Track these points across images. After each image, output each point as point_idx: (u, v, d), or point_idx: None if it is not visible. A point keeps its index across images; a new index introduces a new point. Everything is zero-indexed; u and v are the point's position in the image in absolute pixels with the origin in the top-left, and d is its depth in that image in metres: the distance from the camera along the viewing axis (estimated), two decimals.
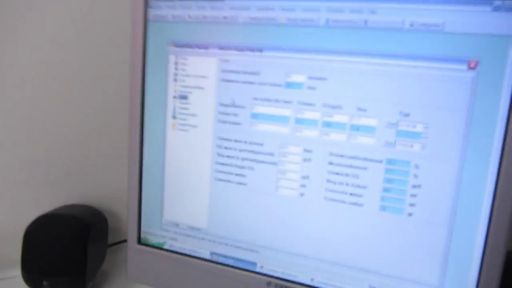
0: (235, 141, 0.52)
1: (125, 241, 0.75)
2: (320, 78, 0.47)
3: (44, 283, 0.62)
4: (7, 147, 0.72)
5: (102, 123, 0.75)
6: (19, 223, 0.71)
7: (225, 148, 0.52)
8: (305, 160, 0.49)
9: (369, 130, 0.46)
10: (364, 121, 0.46)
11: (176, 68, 0.53)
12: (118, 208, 0.77)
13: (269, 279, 0.53)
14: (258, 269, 0.54)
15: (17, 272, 0.72)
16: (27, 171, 0.73)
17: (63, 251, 0.63)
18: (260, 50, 0.49)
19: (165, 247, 0.58)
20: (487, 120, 0.42)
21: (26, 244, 0.64)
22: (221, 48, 0.51)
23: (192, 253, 0.57)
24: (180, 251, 0.58)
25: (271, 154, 0.50)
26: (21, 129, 0.72)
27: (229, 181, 0.53)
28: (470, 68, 0.42)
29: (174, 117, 0.54)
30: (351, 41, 0.46)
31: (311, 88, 0.48)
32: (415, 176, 0.45)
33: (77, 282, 0.64)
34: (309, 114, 0.48)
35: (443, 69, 0.43)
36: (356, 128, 0.47)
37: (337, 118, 0.47)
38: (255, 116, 0.50)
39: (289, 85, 0.49)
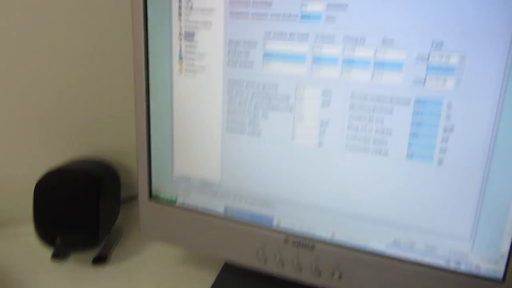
0: (247, 85, 0.47)
1: (135, 197, 0.73)
2: (341, 5, 0.42)
3: (58, 239, 0.61)
4: (17, 101, 0.69)
5: (110, 74, 0.72)
6: (30, 177, 0.70)
7: (236, 93, 0.48)
8: (323, 104, 0.45)
9: (396, 65, 0.41)
10: (390, 55, 0.41)
11: (180, 1, 0.48)
12: (131, 161, 0.74)
13: (287, 236, 0.50)
14: (274, 225, 0.51)
15: (30, 227, 0.71)
16: (36, 124, 0.71)
17: (75, 207, 0.60)
18: None
19: (178, 202, 0.55)
20: None
21: (37, 199, 0.62)
22: None
23: (205, 209, 0.54)
24: (193, 206, 0.55)
25: (286, 99, 0.46)
26: (30, 83, 0.69)
27: (241, 131, 0.49)
28: None
29: (180, 58, 0.50)
30: None
31: (330, 18, 0.42)
32: (447, 117, 0.40)
33: (90, 238, 0.62)
34: (328, 50, 0.43)
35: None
36: (381, 64, 0.41)
37: (360, 53, 0.42)
38: (268, 55, 0.46)
39: (305, 16, 0.43)
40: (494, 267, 0.43)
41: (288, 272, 0.51)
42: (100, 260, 0.64)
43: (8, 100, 0.69)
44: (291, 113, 0.46)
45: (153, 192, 0.56)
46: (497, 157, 0.40)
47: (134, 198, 0.74)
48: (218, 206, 0.53)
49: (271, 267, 0.51)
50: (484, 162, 0.40)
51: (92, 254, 0.66)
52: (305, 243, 0.49)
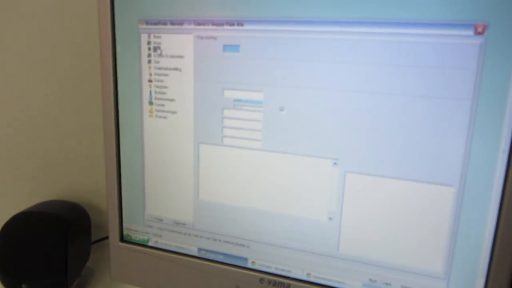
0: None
1: (106, 238, 0.71)
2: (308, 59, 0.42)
3: (23, 286, 0.58)
4: None
5: (80, 115, 0.71)
6: None
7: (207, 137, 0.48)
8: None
9: None
10: None
11: (149, 49, 0.48)
12: (101, 202, 0.73)
13: (262, 275, 0.49)
14: (249, 265, 0.50)
15: None
16: (5, 167, 0.69)
17: (42, 251, 0.58)
18: (241, 23, 0.44)
19: (149, 244, 0.54)
20: (496, 97, 0.38)
21: (1, 244, 0.59)
22: (198, 23, 0.46)
23: (179, 250, 0.53)
24: (166, 247, 0.53)
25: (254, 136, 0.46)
26: None
27: (212, 167, 0.48)
28: (477, 33, 0.37)
29: (150, 103, 0.49)
30: (343, 9, 0.41)
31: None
32: None
33: (58, 284, 0.59)
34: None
35: (445, 36, 0.38)
36: None
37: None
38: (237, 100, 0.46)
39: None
40: None
41: None
42: None
43: None
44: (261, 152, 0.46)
45: (124, 234, 0.55)
46: (468, 197, 0.40)
47: (106, 238, 0.72)
48: (191, 246, 0.52)
49: None
50: (455, 202, 0.41)
51: None
52: (280, 282, 0.49)
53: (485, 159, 0.39)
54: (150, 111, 0.49)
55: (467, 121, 0.39)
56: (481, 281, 0.42)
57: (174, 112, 0.48)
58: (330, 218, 0.45)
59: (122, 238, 0.55)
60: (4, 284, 0.59)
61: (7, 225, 0.60)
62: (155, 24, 0.47)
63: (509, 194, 0.39)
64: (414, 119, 0.40)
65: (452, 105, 0.39)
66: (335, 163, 0.44)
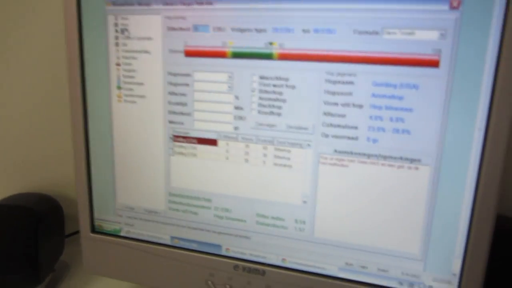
0: (186, 113, 0.46)
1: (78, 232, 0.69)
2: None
3: (6, 278, 0.56)
4: None
5: (51, 106, 0.69)
6: None
7: (179, 122, 0.46)
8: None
9: None
10: None
11: (116, 31, 0.46)
12: (75, 195, 0.71)
13: (236, 262, 0.48)
14: (223, 252, 0.49)
15: None
16: None
17: (12, 245, 0.56)
18: (209, 2, 0.43)
19: (122, 233, 0.53)
20: (472, 74, 0.37)
21: None
22: (166, 3, 0.44)
23: (151, 239, 0.51)
24: (138, 237, 0.52)
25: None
26: None
27: (183, 155, 0.47)
28: (452, 7, 0.36)
29: (119, 87, 0.47)
30: None
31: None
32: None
33: (30, 279, 0.57)
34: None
35: (420, 12, 0.37)
36: None
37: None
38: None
39: None
40: (447, 287, 0.42)
41: None
42: None
43: None
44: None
45: (96, 225, 0.53)
46: (444, 177, 0.39)
47: (77, 232, 0.71)
48: (164, 235, 0.51)
49: None
50: (431, 182, 0.40)
51: None
52: (255, 269, 0.47)
53: (461, 137, 0.38)
54: (119, 96, 0.48)
55: (443, 98, 0.38)
56: (458, 262, 0.41)
57: (143, 97, 0.47)
58: (305, 202, 0.44)
59: (93, 229, 0.53)
60: None
61: None
62: (122, 5, 0.45)
63: (485, 172, 0.38)
64: (388, 99, 0.39)
65: (427, 83, 0.38)
66: (308, 145, 0.43)
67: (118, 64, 0.47)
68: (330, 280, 0.45)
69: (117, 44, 0.46)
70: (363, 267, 0.44)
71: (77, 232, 0.70)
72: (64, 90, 0.67)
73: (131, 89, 0.47)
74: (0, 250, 0.56)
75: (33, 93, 0.68)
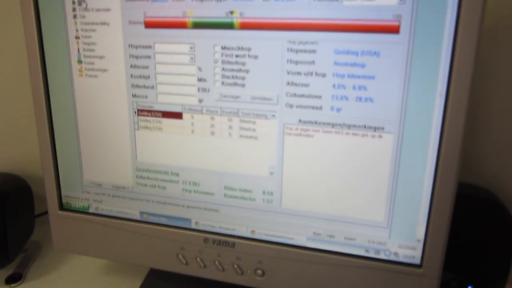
0: (149, 87, 0.45)
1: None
2: None
3: None
4: None
5: (15, 82, 0.67)
6: None
7: (143, 96, 0.45)
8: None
9: None
10: None
11: (73, 2, 0.45)
12: (39, 175, 0.70)
13: (206, 235, 0.48)
14: (193, 226, 0.49)
15: None
16: None
17: None
18: None
19: (90, 210, 0.52)
20: (432, 39, 0.37)
21: None
22: None
23: (120, 215, 0.51)
24: (107, 213, 0.51)
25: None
26: None
27: (148, 129, 0.46)
28: None
29: (79, 61, 0.46)
30: None
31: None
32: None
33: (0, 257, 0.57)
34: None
35: None
36: None
37: None
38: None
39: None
40: (411, 253, 0.43)
41: (211, 273, 0.49)
42: (14, 279, 0.59)
43: None
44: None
45: (64, 202, 0.53)
46: (407, 143, 0.40)
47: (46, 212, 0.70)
48: (133, 211, 0.50)
49: (194, 269, 0.50)
50: (394, 149, 0.40)
51: (6, 273, 0.61)
52: (225, 241, 0.48)
53: (422, 103, 0.38)
54: (80, 70, 0.47)
55: (404, 65, 0.38)
56: (422, 228, 0.42)
57: (105, 70, 0.46)
58: (271, 173, 0.44)
59: (61, 207, 0.53)
60: None
61: None
62: None
63: (447, 138, 0.38)
64: (350, 67, 0.39)
65: (388, 49, 0.38)
66: (273, 116, 0.42)
67: (77, 37, 0.46)
68: (299, 250, 0.46)
69: (75, 17, 0.45)
70: (331, 236, 0.45)
71: (47, 212, 0.69)
72: (27, 66, 0.66)
73: (92, 63, 0.46)
74: None
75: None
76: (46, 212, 0.69)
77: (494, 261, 0.51)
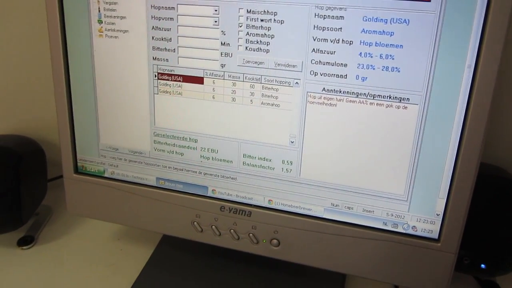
0: (170, 50, 0.44)
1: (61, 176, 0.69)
2: None
3: None
4: None
5: (33, 47, 0.66)
6: None
7: (163, 59, 0.45)
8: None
9: None
10: None
11: None
12: (58, 139, 0.69)
13: (223, 203, 0.48)
14: (210, 194, 0.49)
15: None
16: None
17: None
18: None
19: (105, 175, 0.52)
20: (464, 8, 0.36)
21: None
22: None
23: (136, 180, 0.51)
24: (122, 178, 0.51)
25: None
26: None
27: (168, 93, 0.46)
28: None
29: (100, 21, 0.45)
30: None
31: None
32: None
33: (13, 220, 0.57)
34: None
35: None
36: None
37: None
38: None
39: None
40: (430, 228, 0.43)
41: (226, 242, 0.49)
42: (25, 241, 0.59)
43: None
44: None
45: (79, 165, 0.52)
46: (431, 116, 0.39)
47: (60, 177, 0.70)
48: (149, 176, 0.50)
49: (208, 237, 0.49)
50: (418, 121, 0.40)
51: (18, 235, 0.61)
52: (242, 210, 0.47)
53: (450, 75, 0.38)
54: (100, 31, 0.46)
55: (434, 34, 0.37)
56: (442, 202, 0.41)
57: (125, 31, 0.45)
58: (292, 142, 0.44)
59: (76, 170, 0.53)
60: None
61: None
62: None
63: (473, 112, 0.38)
64: (378, 35, 0.38)
65: (418, 17, 0.37)
66: (296, 83, 0.42)
67: None
68: (316, 221, 0.45)
69: None
70: (349, 208, 0.44)
71: (59, 177, 0.69)
72: (44, 26, 0.65)
73: (112, 23, 0.45)
74: None
75: (15, 34, 0.66)
76: (58, 177, 0.69)
77: (508, 240, 0.50)
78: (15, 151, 0.58)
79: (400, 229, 0.43)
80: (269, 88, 0.43)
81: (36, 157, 0.61)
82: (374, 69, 0.39)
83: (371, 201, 0.43)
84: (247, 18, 0.41)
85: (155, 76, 0.46)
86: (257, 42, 0.41)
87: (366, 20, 0.38)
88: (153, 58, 0.45)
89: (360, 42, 0.39)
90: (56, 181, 0.70)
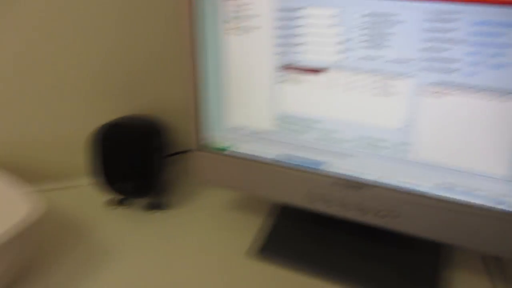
0: (293, 45, 0.50)
1: (184, 152, 0.77)
2: None
3: (121, 185, 0.66)
4: (68, 61, 0.72)
5: (157, 32, 0.74)
6: (81, 134, 0.75)
7: (286, 53, 0.51)
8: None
9: None
10: None
11: None
12: (179, 118, 0.78)
13: (335, 179, 0.54)
14: (323, 168, 0.54)
15: (82, 180, 0.77)
16: (86, 84, 0.74)
17: (131, 157, 0.65)
18: None
19: (228, 151, 0.59)
20: None
21: (95, 151, 0.66)
22: None
23: (256, 158, 0.58)
24: (244, 156, 0.58)
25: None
26: (80, 43, 0.71)
27: (290, 82, 0.52)
28: None
29: (227, 20, 0.52)
30: None
31: None
32: None
33: (142, 187, 0.67)
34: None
35: None
36: None
37: None
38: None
39: None
40: None
41: (336, 211, 0.55)
42: (154, 206, 0.69)
43: (59, 61, 0.71)
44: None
45: (205, 142, 0.60)
46: None
47: (181, 152, 0.79)
48: (269, 154, 0.57)
49: (322, 207, 0.55)
50: None
51: (145, 202, 0.70)
52: (352, 185, 0.53)
53: None
54: (228, 28, 0.53)
55: None
56: None
57: (253, 28, 0.51)
58: (405, 127, 0.48)
59: (202, 146, 0.60)
60: (102, 183, 0.67)
61: (100, 133, 0.66)
62: None
63: None
64: (489, 37, 0.41)
65: None
66: (409, 77, 0.46)
67: None
68: (421, 197, 0.50)
69: None
70: (453, 187, 0.48)
71: (178, 153, 0.79)
72: (172, 16, 0.73)
73: (240, 21, 0.51)
74: (120, 161, 0.65)
75: (141, 19, 0.73)
76: (180, 152, 0.79)
77: None
78: (155, 125, 0.68)
79: (504, 207, 0.47)
80: (383, 80, 0.47)
81: (162, 135, 0.70)
82: (484, 65, 0.43)
83: (475, 182, 0.47)
84: (368, 19, 0.46)
85: (279, 67, 0.52)
86: (375, 41, 0.46)
87: (477, 24, 0.41)
88: (277, 53, 0.51)
89: (472, 41, 0.42)
90: (175, 157, 0.79)
